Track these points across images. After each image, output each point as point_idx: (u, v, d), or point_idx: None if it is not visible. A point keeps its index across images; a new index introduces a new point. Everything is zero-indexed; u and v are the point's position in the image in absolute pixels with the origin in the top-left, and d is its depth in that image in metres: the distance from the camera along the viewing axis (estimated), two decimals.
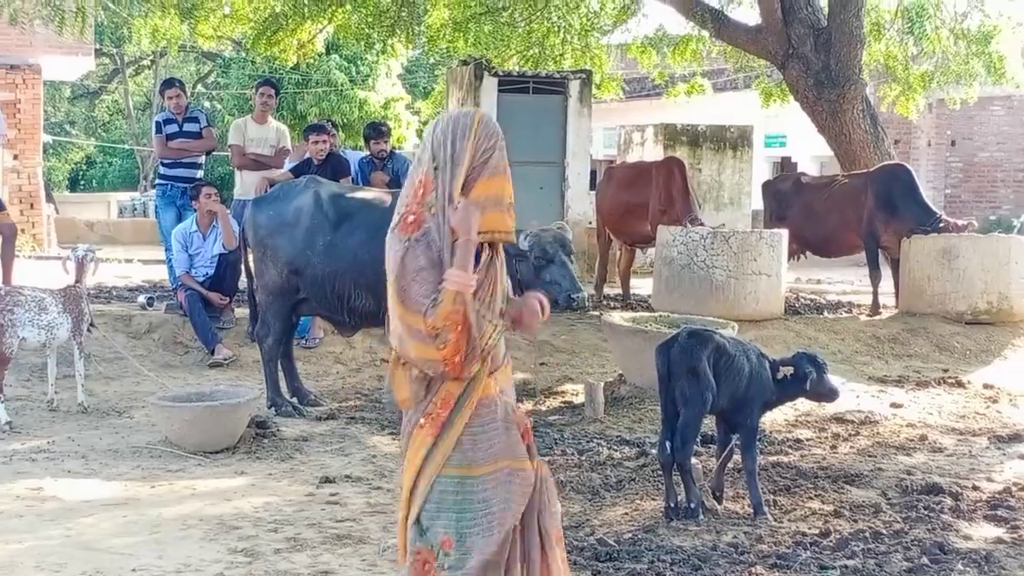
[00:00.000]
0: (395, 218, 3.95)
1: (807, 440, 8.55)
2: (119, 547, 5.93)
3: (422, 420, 3.88)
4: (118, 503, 6.72)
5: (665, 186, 13.92)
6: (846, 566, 5.75)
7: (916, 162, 23.58)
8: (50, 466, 7.47)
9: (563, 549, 4.05)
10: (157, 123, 12.50)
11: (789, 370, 6.74)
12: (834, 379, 7.10)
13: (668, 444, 6.51)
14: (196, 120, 12.26)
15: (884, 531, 6.34)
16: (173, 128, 12.13)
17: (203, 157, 12.50)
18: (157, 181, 12.66)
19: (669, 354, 6.51)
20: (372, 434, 8.56)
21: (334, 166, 11.02)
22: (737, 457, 6.89)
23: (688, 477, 6.54)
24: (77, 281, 8.91)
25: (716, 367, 6.51)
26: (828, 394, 6.90)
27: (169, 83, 12.78)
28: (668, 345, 6.57)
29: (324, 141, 11.20)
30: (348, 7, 16.55)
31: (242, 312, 11.54)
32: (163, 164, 12.47)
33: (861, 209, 13.80)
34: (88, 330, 9.07)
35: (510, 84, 16.91)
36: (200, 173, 12.35)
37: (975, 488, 7.28)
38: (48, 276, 11.80)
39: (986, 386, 10.66)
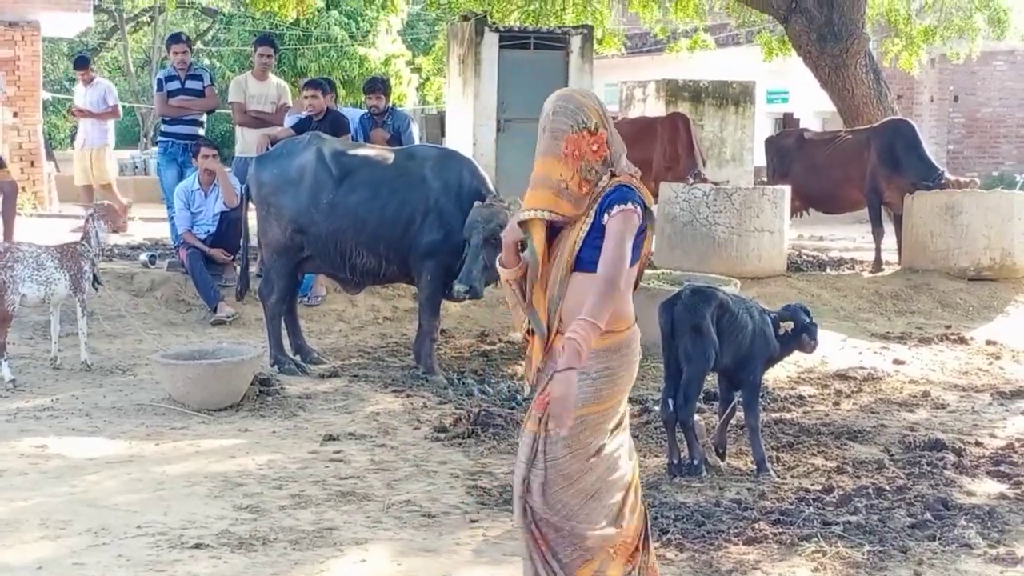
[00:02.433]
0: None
1: (810, 397, 8.56)
2: (124, 504, 5.95)
3: None
4: (123, 460, 6.74)
5: (670, 142, 13.86)
6: (849, 522, 5.77)
7: (919, 118, 23.49)
8: (54, 424, 7.48)
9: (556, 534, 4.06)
10: (159, 80, 12.42)
11: (790, 325, 6.77)
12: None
13: (671, 401, 6.52)
14: (199, 78, 12.19)
15: (887, 487, 6.36)
16: (175, 85, 12.06)
17: (204, 115, 12.43)
18: (159, 138, 12.59)
19: (673, 312, 6.51)
20: (375, 392, 8.56)
21: (333, 123, 10.93)
22: (740, 414, 6.90)
23: (691, 434, 6.55)
24: (83, 238, 8.85)
25: (719, 324, 6.51)
26: (814, 344, 6.95)
27: (176, 38, 12.70)
28: (671, 303, 6.56)
29: (315, 96, 11.08)
30: None
31: None
32: (164, 121, 12.40)
33: (864, 165, 13.75)
34: (94, 288, 9.04)
35: (511, 40, 16.77)
36: (202, 130, 12.28)
37: (978, 444, 7.30)
38: (50, 234, 11.78)
39: (989, 342, 10.67)
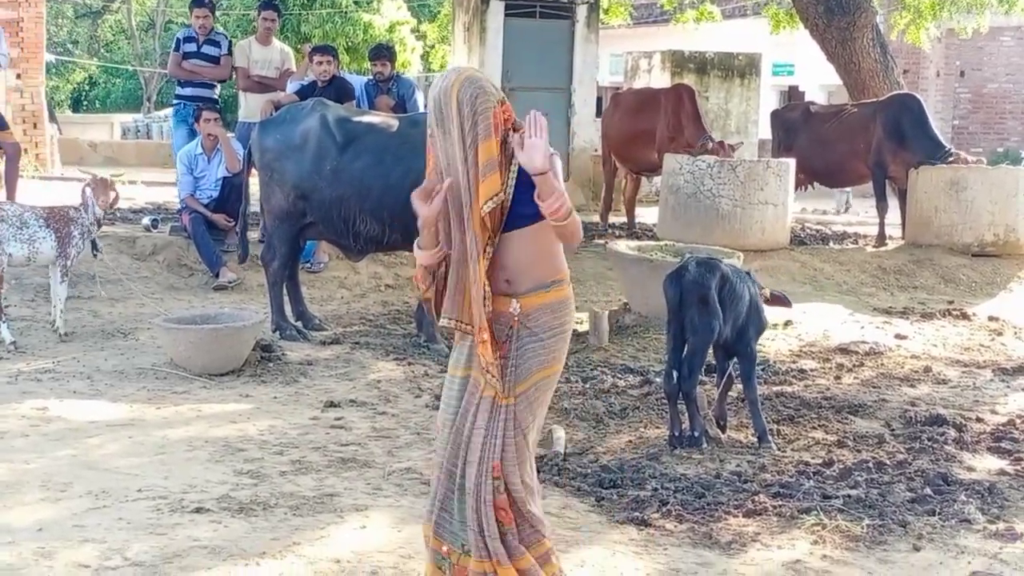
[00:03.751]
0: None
1: (811, 370, 8.55)
2: (125, 467, 5.96)
3: None
4: (124, 424, 6.75)
5: (674, 113, 13.80)
6: (849, 496, 5.78)
7: (924, 92, 23.36)
8: (55, 386, 7.49)
9: (502, 488, 4.05)
10: (177, 39, 12.38)
11: (767, 292, 6.84)
12: None
13: (675, 373, 6.51)
14: (217, 44, 12.09)
15: (887, 461, 6.36)
16: (191, 47, 12.00)
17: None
18: (173, 100, 12.59)
19: (682, 283, 6.49)
20: (377, 359, 8.56)
21: (338, 89, 10.89)
22: (738, 386, 6.91)
23: (693, 406, 6.55)
24: (80, 205, 8.75)
25: (720, 296, 6.51)
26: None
27: (198, 2, 12.61)
28: (680, 274, 6.54)
29: (328, 62, 11.05)
30: None
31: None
32: (178, 83, 12.41)
33: (870, 139, 13.71)
34: (94, 255, 8.97)
35: (517, 8, 16.71)
36: (215, 93, 12.23)
37: (979, 420, 7.30)
38: (52, 196, 11.77)
39: (991, 318, 10.66)
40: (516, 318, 4.06)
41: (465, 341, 4.14)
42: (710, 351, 6.92)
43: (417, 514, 5.46)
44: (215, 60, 12.06)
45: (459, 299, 4.09)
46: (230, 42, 12.48)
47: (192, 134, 11.82)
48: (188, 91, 12.10)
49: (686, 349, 6.51)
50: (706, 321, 6.43)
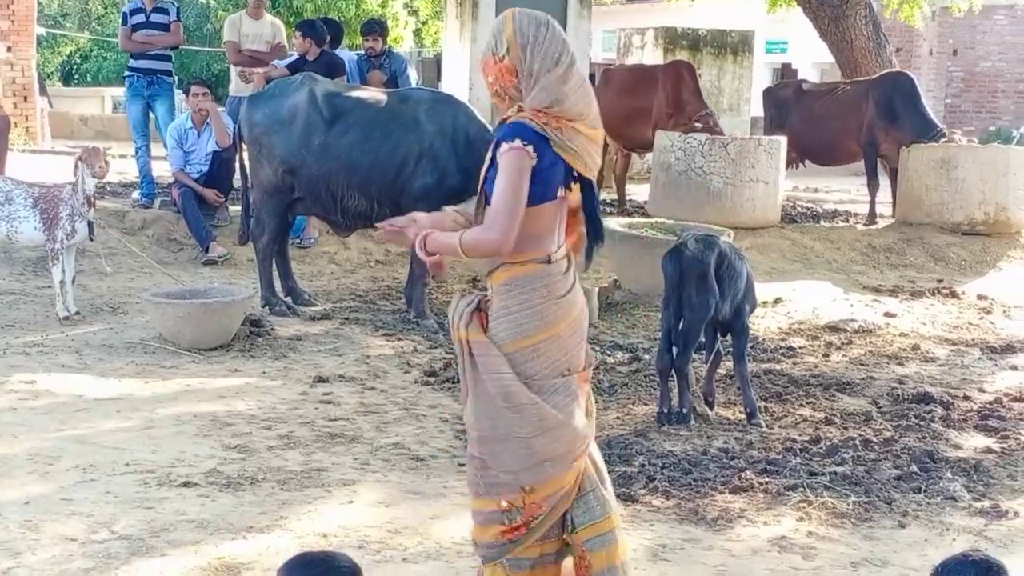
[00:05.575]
0: None
1: (800, 348, 8.57)
2: (112, 442, 5.95)
3: None
4: (112, 398, 6.74)
5: (674, 89, 13.74)
6: (835, 473, 5.80)
7: (917, 71, 23.37)
8: (44, 360, 7.47)
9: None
10: (124, 14, 12.12)
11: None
12: None
13: (673, 350, 6.50)
14: (165, 11, 11.87)
15: (874, 439, 6.38)
16: (140, 18, 11.76)
17: (170, 50, 12.20)
18: (125, 73, 12.38)
19: (681, 260, 6.47)
20: (366, 335, 8.56)
21: (328, 64, 10.86)
22: (726, 363, 6.91)
23: (684, 382, 6.56)
24: (73, 184, 8.50)
25: (718, 273, 6.49)
26: None
27: None
28: (679, 251, 6.52)
29: (302, 38, 11.01)
30: None
31: (236, 210, 11.47)
32: (131, 56, 12.19)
33: (862, 117, 13.70)
34: (90, 239, 8.67)
35: None
36: (169, 65, 12.03)
37: (966, 398, 7.32)
38: (41, 171, 11.74)
39: (980, 297, 10.67)
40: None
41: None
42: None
43: (405, 489, 5.48)
44: (165, 28, 11.86)
45: None
46: (178, 8, 12.30)
47: (147, 106, 11.72)
48: (142, 63, 11.85)
49: (681, 325, 6.51)
50: (703, 298, 6.42)
